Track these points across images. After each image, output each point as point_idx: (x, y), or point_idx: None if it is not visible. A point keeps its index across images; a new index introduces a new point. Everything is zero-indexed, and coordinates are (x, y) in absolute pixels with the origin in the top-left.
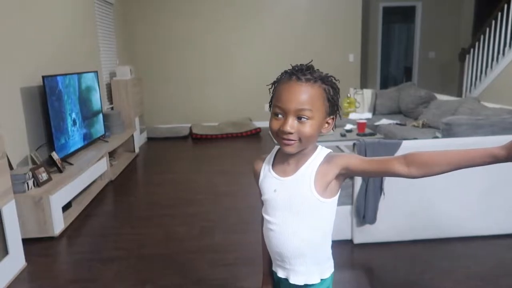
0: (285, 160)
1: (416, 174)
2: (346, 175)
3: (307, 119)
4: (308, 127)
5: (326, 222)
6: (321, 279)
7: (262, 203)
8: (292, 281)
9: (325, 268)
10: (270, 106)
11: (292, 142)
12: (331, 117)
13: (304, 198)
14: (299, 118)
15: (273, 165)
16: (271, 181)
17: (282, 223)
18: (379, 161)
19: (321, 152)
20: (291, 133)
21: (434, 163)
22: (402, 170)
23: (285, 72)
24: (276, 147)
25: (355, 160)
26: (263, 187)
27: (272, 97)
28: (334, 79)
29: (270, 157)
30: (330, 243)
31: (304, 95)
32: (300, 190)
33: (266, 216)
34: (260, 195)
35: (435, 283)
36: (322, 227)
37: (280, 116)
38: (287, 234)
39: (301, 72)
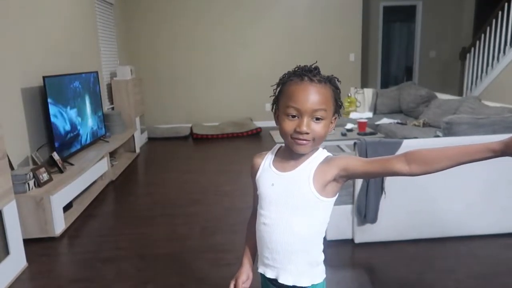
0: (285, 157)
1: (417, 171)
2: (346, 177)
3: (321, 119)
4: (321, 127)
5: (321, 221)
6: (312, 284)
7: (255, 198)
8: (281, 280)
9: (316, 273)
10: (273, 106)
11: (306, 142)
12: (334, 117)
13: (302, 194)
14: (313, 118)
15: (273, 162)
16: (269, 175)
17: (277, 218)
18: (379, 161)
19: (322, 153)
20: (307, 133)
21: (434, 160)
22: (403, 169)
23: (293, 72)
24: (277, 145)
25: (354, 162)
26: (260, 181)
27: (277, 97)
28: (337, 80)
29: (271, 153)
30: (321, 247)
31: (320, 95)
32: (299, 185)
33: (260, 210)
34: (255, 189)
35: (436, 282)
36: (316, 225)
37: (295, 117)
38: (281, 229)
39: (311, 73)
